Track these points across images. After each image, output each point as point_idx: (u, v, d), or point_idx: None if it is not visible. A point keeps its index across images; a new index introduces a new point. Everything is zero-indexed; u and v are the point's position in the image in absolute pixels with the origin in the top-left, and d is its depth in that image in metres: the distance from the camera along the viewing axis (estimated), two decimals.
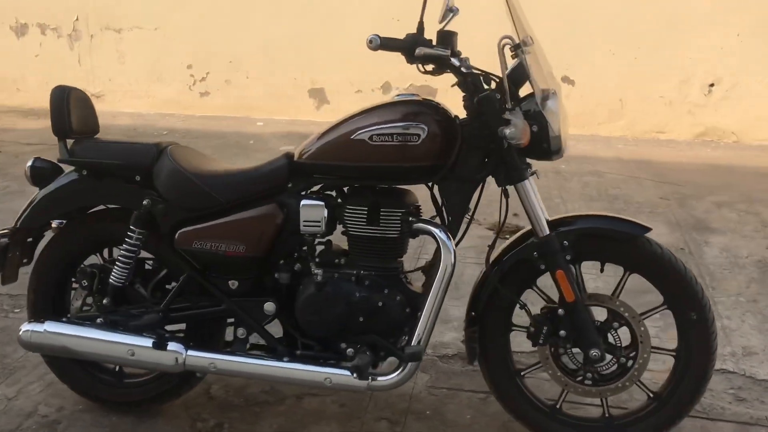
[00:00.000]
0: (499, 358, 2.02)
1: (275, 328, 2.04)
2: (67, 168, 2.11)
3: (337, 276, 1.93)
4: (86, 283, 2.06)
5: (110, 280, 2.03)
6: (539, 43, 1.86)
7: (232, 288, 1.98)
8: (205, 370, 1.96)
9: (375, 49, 1.74)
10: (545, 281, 1.97)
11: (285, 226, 1.94)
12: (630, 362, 1.94)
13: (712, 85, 6.48)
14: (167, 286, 2.16)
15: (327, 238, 2.00)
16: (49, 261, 2.13)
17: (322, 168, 1.93)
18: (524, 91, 1.87)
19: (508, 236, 4.02)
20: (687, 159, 5.96)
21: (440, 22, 1.79)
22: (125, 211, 2.10)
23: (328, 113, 6.98)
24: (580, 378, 1.97)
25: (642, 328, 1.92)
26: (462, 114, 1.90)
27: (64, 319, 2.04)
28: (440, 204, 1.96)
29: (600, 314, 1.97)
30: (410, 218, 1.90)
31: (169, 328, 2.07)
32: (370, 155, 1.84)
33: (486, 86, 1.85)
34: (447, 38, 1.78)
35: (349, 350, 1.93)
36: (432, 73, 1.84)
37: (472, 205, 1.95)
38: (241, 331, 2.01)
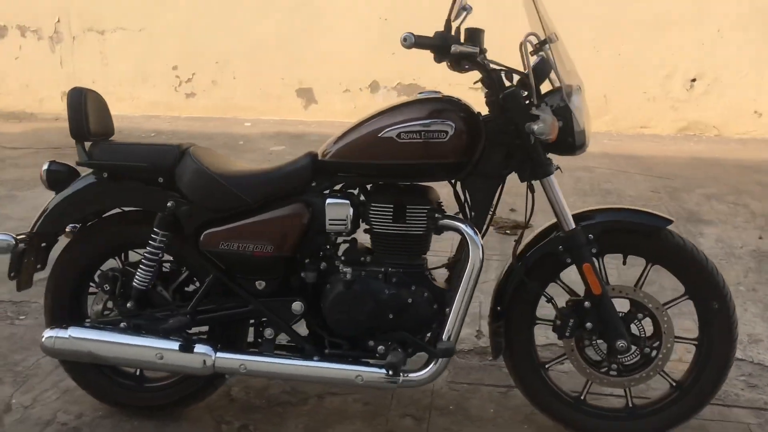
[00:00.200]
0: (524, 351, 2.05)
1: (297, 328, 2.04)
2: (83, 171, 2.08)
3: (365, 274, 1.93)
4: (108, 287, 2.04)
5: (134, 284, 2.01)
6: (563, 40, 1.88)
7: (259, 288, 1.98)
8: (235, 372, 1.95)
9: (409, 47, 1.75)
10: (567, 275, 2.00)
11: (311, 225, 1.94)
12: (654, 352, 1.98)
13: (693, 80, 6.61)
14: (186, 288, 2.15)
15: (351, 236, 2.01)
16: (68, 265, 2.09)
17: (347, 166, 1.93)
18: (542, 87, 1.90)
19: (508, 231, 4.04)
20: (672, 153, 6.08)
21: (453, 20, 1.80)
22: (143, 213, 2.08)
23: (317, 113, 6.98)
24: (605, 369, 2.00)
25: (665, 318, 1.96)
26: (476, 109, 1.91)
27: (87, 324, 2.01)
28: (462, 200, 1.98)
29: (621, 305, 2.00)
30: (436, 215, 1.91)
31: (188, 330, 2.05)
32: (398, 153, 1.84)
33: (509, 82, 1.88)
34: (475, 35, 1.79)
35: (380, 348, 1.94)
36: (459, 70, 1.86)
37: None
38: (269, 332, 2.00)
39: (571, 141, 1.86)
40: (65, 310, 2.10)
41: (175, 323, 1.94)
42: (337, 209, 1.92)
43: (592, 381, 2.04)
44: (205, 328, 2.11)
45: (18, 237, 2.02)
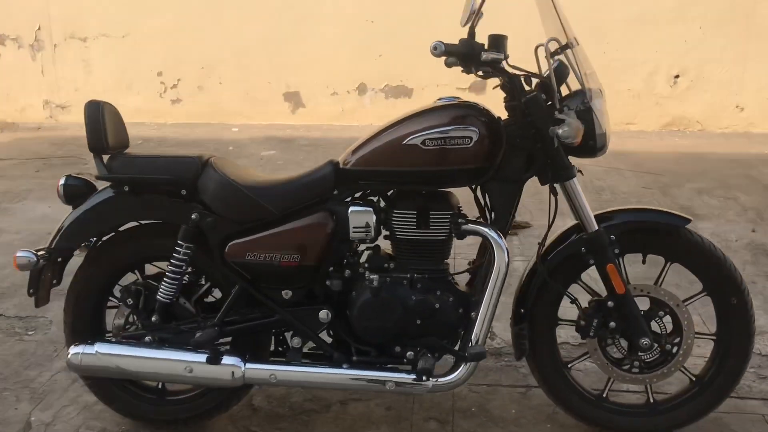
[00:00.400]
0: (548, 352, 2.07)
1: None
2: (101, 185, 2.06)
3: (390, 281, 1.94)
4: (131, 302, 2.02)
5: (158, 297, 2.00)
6: (582, 45, 1.91)
7: (285, 298, 1.98)
8: (264, 383, 1.95)
9: (439, 55, 1.77)
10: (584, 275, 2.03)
11: (335, 234, 1.95)
12: (675, 348, 2.02)
13: (677, 76, 6.73)
14: (205, 300, 2.15)
15: (375, 243, 2.02)
16: (89, 281, 2.07)
17: (370, 174, 1.94)
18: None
19: (509, 231, 4.09)
20: (658, 149, 6.18)
21: (463, 24, 1.82)
22: (161, 226, 2.07)
23: (304, 116, 6.96)
24: (626, 366, 2.04)
25: (686, 315, 2.00)
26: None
27: (113, 340, 2.00)
28: (482, 205, 2.00)
29: (641, 303, 2.04)
30: (459, 220, 1.93)
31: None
32: (423, 159, 1.86)
33: (528, 87, 1.90)
34: (498, 41, 1.82)
35: (409, 353, 1.95)
36: (484, 76, 1.88)
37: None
38: (296, 341, 2.00)
39: (592, 144, 1.89)
40: (86, 326, 2.08)
41: (204, 336, 1.92)
42: (360, 217, 1.93)
43: (614, 379, 2.07)
44: (226, 339, 2.10)
45: (38, 253, 1.99)
